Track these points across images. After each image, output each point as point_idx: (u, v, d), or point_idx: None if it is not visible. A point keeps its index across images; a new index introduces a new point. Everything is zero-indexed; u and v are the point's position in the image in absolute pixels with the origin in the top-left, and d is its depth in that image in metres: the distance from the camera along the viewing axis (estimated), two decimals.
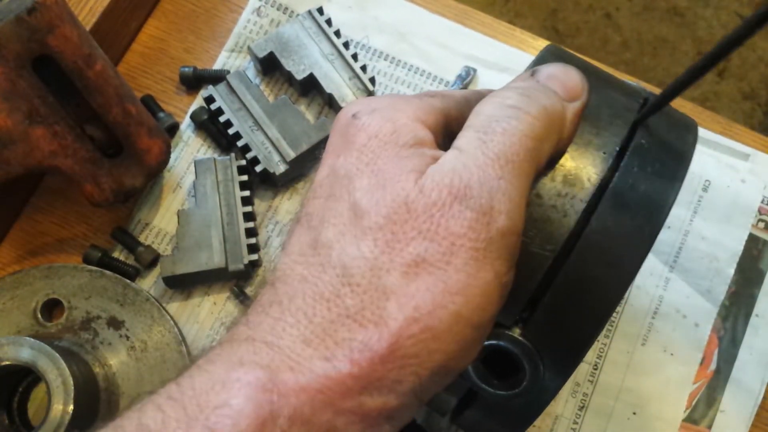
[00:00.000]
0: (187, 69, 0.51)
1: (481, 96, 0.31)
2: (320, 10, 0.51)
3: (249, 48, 0.50)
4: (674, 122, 0.29)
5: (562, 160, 0.27)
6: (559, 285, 0.25)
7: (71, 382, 0.39)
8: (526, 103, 0.25)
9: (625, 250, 0.25)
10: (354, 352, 0.22)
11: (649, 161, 0.27)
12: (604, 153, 0.27)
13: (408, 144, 0.25)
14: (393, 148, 0.25)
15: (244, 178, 0.48)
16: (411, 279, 0.23)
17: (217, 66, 0.52)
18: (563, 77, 0.27)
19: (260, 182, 0.50)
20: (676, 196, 0.27)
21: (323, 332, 0.23)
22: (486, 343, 0.26)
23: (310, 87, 0.51)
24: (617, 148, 0.27)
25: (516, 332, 0.26)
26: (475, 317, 0.23)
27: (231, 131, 0.48)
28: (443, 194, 0.24)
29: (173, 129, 0.50)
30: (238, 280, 0.48)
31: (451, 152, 0.25)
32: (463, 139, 0.25)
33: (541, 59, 0.30)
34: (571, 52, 0.31)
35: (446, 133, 0.28)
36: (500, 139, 0.24)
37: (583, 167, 0.26)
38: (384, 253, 0.23)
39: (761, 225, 0.50)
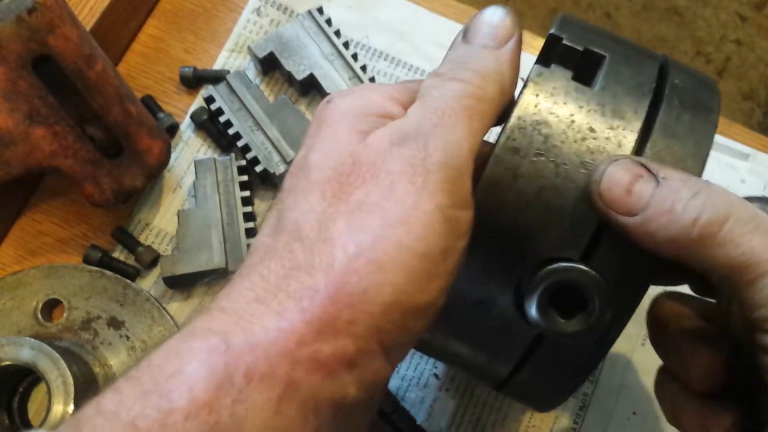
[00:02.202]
0: (187, 69, 0.51)
1: None
2: (320, 10, 0.51)
3: (249, 48, 0.50)
4: (694, 73, 0.30)
5: (609, 97, 0.27)
6: None
7: (71, 383, 0.39)
8: (458, 72, 0.27)
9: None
10: (303, 300, 0.23)
11: (687, 96, 0.28)
12: (645, 88, 0.28)
13: (374, 114, 0.27)
14: (353, 118, 0.27)
15: (244, 178, 0.48)
16: (354, 222, 0.24)
17: (217, 66, 0.52)
18: (489, 24, 0.28)
19: (260, 182, 0.50)
20: (716, 125, 0.28)
21: (276, 288, 0.23)
22: (553, 279, 0.25)
23: (310, 87, 0.51)
24: (654, 85, 0.28)
25: (579, 267, 0.26)
26: (420, 246, 0.23)
27: (231, 131, 0.48)
28: (384, 143, 0.25)
29: (173, 129, 0.50)
30: None
31: (396, 119, 0.27)
32: (408, 110, 0.27)
33: (564, 19, 0.30)
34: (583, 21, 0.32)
35: None
36: (436, 98, 0.26)
37: (629, 102, 0.27)
38: (331, 204, 0.24)
39: None
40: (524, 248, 0.26)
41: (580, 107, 0.27)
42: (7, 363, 0.39)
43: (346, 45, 0.50)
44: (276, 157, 0.48)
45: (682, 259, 0.25)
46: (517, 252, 0.26)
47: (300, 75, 0.49)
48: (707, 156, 0.27)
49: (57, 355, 0.39)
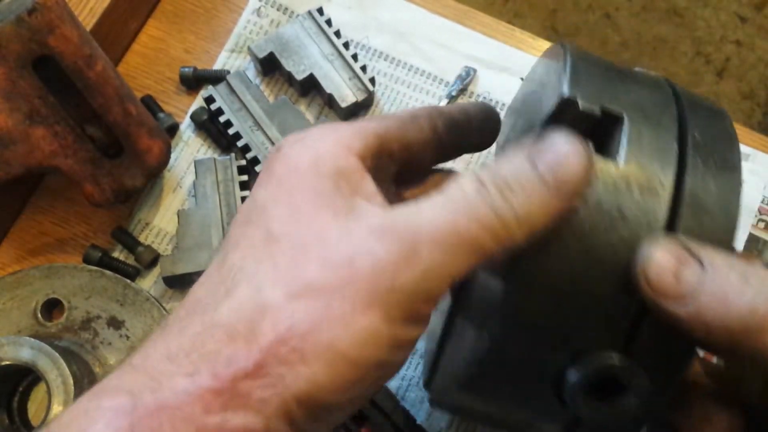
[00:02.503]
0: (187, 69, 0.51)
1: (442, 114, 0.30)
2: (320, 11, 0.51)
3: (249, 48, 0.51)
4: (707, 111, 0.29)
5: (634, 169, 0.25)
6: None
7: (71, 382, 0.39)
8: (501, 203, 0.23)
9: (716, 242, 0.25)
10: (218, 365, 0.22)
11: (708, 155, 0.26)
12: (668, 154, 0.26)
13: (328, 174, 0.25)
14: (311, 180, 0.25)
15: (244, 178, 0.48)
16: (294, 299, 0.22)
17: (217, 66, 0.52)
18: (567, 168, 0.23)
19: None
20: (741, 185, 0.26)
21: (191, 346, 0.22)
22: (593, 369, 0.24)
23: (310, 87, 0.51)
24: (676, 148, 0.26)
25: (616, 356, 0.25)
26: (354, 354, 0.22)
27: (231, 131, 0.48)
28: (363, 232, 0.23)
29: (173, 129, 0.50)
30: None
31: (408, 205, 0.23)
32: (429, 200, 0.24)
33: (574, 69, 0.27)
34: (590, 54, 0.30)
35: (382, 154, 0.27)
36: (459, 218, 0.23)
37: (654, 172, 0.25)
38: (279, 275, 0.23)
39: (761, 225, 0.50)
40: (562, 338, 0.25)
41: (607, 186, 0.25)
42: (7, 363, 0.39)
43: (346, 45, 0.50)
44: None
45: (734, 345, 0.23)
46: (555, 342, 0.25)
47: (300, 75, 0.49)
48: (737, 226, 0.26)
49: (57, 354, 0.39)
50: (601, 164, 0.25)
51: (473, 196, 0.23)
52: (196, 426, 0.21)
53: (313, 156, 0.26)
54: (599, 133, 0.27)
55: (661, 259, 0.23)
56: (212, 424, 0.21)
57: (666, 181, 0.25)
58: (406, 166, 0.30)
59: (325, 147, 0.26)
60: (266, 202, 0.25)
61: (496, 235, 0.23)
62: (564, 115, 0.26)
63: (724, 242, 0.25)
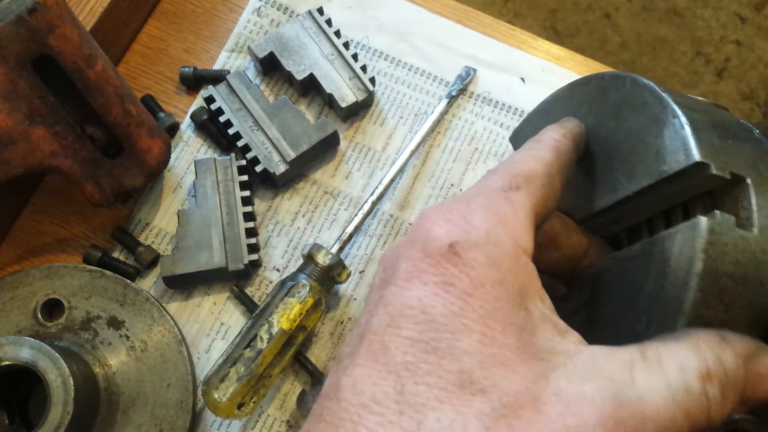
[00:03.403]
0: (187, 69, 0.51)
1: (561, 157, 0.28)
2: (320, 11, 0.51)
3: (249, 48, 0.51)
4: None
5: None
6: None
7: (71, 382, 0.39)
8: (717, 403, 0.22)
9: None
10: None
11: None
12: None
13: (515, 298, 0.22)
14: (502, 306, 0.22)
15: (244, 178, 0.48)
16: None
17: (217, 66, 0.52)
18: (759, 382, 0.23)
19: (260, 182, 0.50)
20: None
21: None
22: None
23: (310, 87, 0.51)
24: None
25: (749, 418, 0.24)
26: None
27: (231, 131, 0.48)
28: (582, 414, 0.20)
29: (173, 129, 0.50)
30: (238, 279, 0.48)
31: (605, 365, 0.22)
32: (638, 373, 0.22)
33: (692, 126, 0.26)
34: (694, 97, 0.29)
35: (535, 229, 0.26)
36: (665, 411, 0.21)
37: None
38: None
39: None
40: None
41: (749, 260, 0.24)
42: (7, 363, 0.39)
43: (346, 45, 0.50)
44: (276, 157, 0.48)
45: None
46: None
47: (300, 75, 0.49)
48: None
49: (57, 354, 0.39)
50: (742, 235, 0.24)
51: (698, 391, 0.22)
52: None
53: (498, 275, 0.22)
54: (717, 197, 0.26)
55: None
56: None
57: None
58: None
59: (506, 260, 0.23)
60: (451, 325, 0.22)
61: (695, 423, 0.22)
62: (691, 179, 0.25)
63: None
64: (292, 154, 0.48)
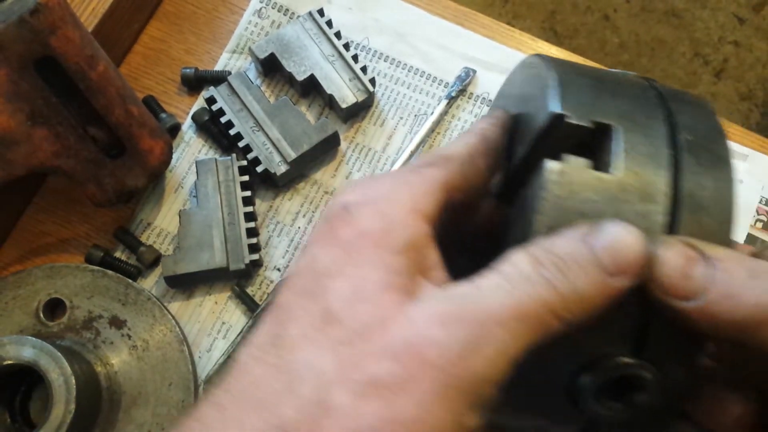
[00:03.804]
0: (188, 70, 0.51)
1: (488, 140, 0.29)
2: (321, 12, 0.51)
3: (250, 49, 0.51)
4: (692, 107, 0.29)
5: (631, 178, 0.26)
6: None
7: (73, 382, 0.39)
8: (561, 280, 0.23)
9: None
10: None
11: (701, 153, 0.27)
12: (661, 159, 0.26)
13: (399, 249, 0.24)
14: (381, 253, 0.24)
15: (245, 178, 0.48)
16: (359, 399, 0.21)
17: (218, 67, 0.52)
18: (624, 251, 0.23)
19: (261, 182, 0.50)
20: (734, 179, 0.27)
21: None
22: (610, 375, 0.24)
23: (310, 88, 0.52)
24: (668, 151, 0.27)
25: (626, 357, 0.25)
26: None
27: (232, 132, 0.49)
28: (425, 325, 0.22)
29: (175, 130, 0.51)
30: (240, 279, 0.48)
31: (465, 284, 0.23)
32: (485, 280, 0.23)
33: (560, 83, 0.28)
34: (570, 60, 0.30)
35: (446, 208, 0.26)
36: (517, 297, 0.23)
37: (650, 179, 0.26)
38: (341, 369, 0.22)
39: (759, 225, 0.50)
40: (575, 347, 0.25)
41: (605, 198, 0.25)
42: (9, 362, 0.39)
43: (346, 46, 0.51)
44: (277, 158, 0.48)
45: (742, 339, 0.23)
46: (565, 349, 0.25)
47: (301, 76, 0.50)
48: (735, 220, 0.26)
49: (59, 354, 0.39)
50: (598, 176, 0.26)
51: (532, 274, 0.23)
52: None
53: (386, 225, 0.24)
54: (591, 146, 0.27)
55: (670, 259, 0.24)
56: None
57: (662, 185, 0.26)
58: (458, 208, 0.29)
59: (399, 214, 0.24)
60: (329, 271, 0.24)
61: (557, 313, 0.23)
62: (555, 131, 0.27)
63: (724, 237, 0.26)
64: (292, 155, 0.48)
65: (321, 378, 0.22)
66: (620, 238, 0.24)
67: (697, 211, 0.26)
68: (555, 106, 0.27)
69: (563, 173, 0.26)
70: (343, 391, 0.21)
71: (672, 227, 0.26)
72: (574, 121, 0.26)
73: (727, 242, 0.25)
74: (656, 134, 0.27)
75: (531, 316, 0.22)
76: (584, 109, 0.27)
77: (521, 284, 0.23)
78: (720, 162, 0.27)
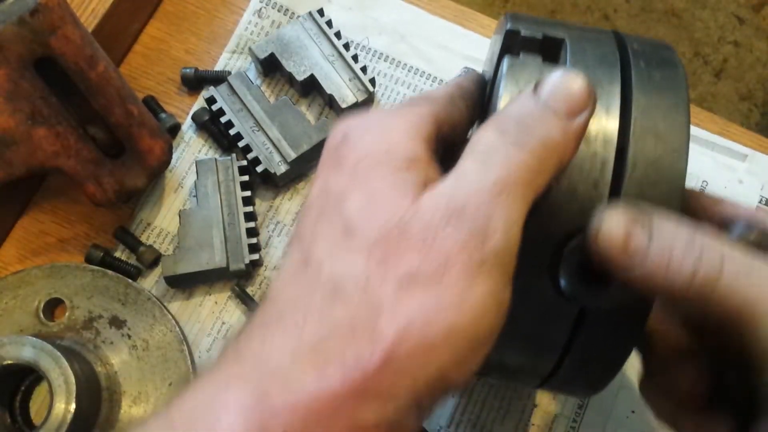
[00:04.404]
0: (188, 70, 0.51)
1: (463, 89, 0.31)
2: (321, 12, 0.51)
3: (250, 49, 0.51)
4: (646, 38, 0.32)
5: (581, 70, 0.28)
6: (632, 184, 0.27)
7: (73, 381, 0.39)
8: (524, 138, 0.25)
9: (669, 125, 0.27)
10: (346, 367, 0.22)
11: (649, 56, 0.29)
12: (610, 57, 0.29)
13: (402, 164, 0.25)
14: (386, 168, 0.25)
15: (245, 178, 0.48)
16: (403, 294, 0.23)
17: (218, 67, 0.52)
18: (567, 90, 0.26)
19: (261, 182, 0.50)
20: (685, 77, 0.29)
21: (313, 349, 0.23)
22: (581, 248, 0.26)
23: (310, 88, 0.52)
24: (617, 53, 0.29)
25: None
26: (471, 330, 0.23)
27: (232, 132, 0.49)
28: (438, 215, 0.24)
29: (175, 130, 0.51)
30: (240, 279, 0.48)
31: (450, 177, 0.25)
32: (463, 165, 0.25)
33: (514, 14, 0.31)
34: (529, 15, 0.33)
35: (438, 138, 0.28)
36: (498, 168, 0.24)
37: (601, 72, 0.28)
38: (375, 269, 0.23)
39: None
40: (549, 228, 0.27)
41: None
42: (9, 362, 0.39)
43: (346, 46, 0.51)
44: (277, 158, 0.48)
45: (683, 306, 0.25)
46: (544, 233, 0.27)
47: (301, 76, 0.50)
48: (688, 104, 0.28)
49: (59, 354, 0.39)
50: (549, 65, 0.28)
51: (500, 144, 0.25)
52: (328, 424, 0.22)
53: (386, 145, 0.26)
54: (550, 57, 0.30)
55: (611, 227, 0.25)
56: (344, 422, 0.22)
57: (613, 75, 0.28)
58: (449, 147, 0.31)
59: (397, 136, 0.26)
60: (340, 193, 0.25)
61: (536, 168, 0.25)
62: (511, 47, 0.30)
63: (679, 118, 0.27)
64: (292, 155, 0.48)
65: (360, 282, 0.23)
66: (562, 82, 0.26)
67: (648, 93, 0.28)
68: (509, 25, 0.30)
69: (518, 62, 0.29)
70: (384, 290, 0.23)
71: (625, 110, 0.28)
72: (527, 34, 0.30)
73: (682, 149, 0.27)
74: (605, 42, 0.30)
75: (515, 182, 0.24)
76: (536, 27, 0.30)
77: (493, 158, 0.25)
78: (668, 62, 0.29)
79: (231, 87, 0.49)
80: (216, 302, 0.48)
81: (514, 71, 0.28)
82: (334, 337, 0.23)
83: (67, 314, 0.45)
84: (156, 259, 0.48)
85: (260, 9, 0.53)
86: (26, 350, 0.39)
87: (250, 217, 0.47)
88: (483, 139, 0.25)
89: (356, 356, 0.22)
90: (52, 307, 0.46)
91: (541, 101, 0.26)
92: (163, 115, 0.50)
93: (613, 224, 0.25)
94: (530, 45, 0.30)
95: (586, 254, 0.26)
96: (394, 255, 0.23)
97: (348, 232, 0.24)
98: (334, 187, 0.26)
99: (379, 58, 0.53)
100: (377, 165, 0.25)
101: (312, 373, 0.22)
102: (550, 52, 0.30)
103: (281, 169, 0.48)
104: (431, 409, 0.24)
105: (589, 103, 0.26)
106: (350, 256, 0.24)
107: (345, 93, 0.50)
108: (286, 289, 0.25)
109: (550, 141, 0.25)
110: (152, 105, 0.51)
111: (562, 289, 0.27)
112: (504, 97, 0.28)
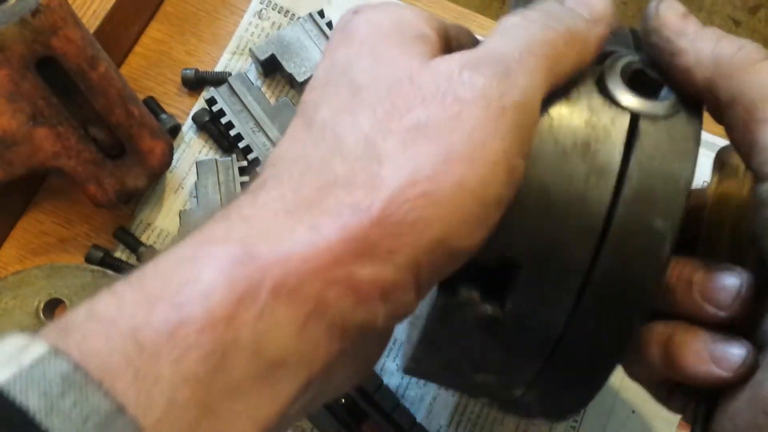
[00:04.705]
0: (189, 71, 0.51)
1: (467, 31, 0.31)
2: (321, 13, 0.51)
3: (250, 50, 0.51)
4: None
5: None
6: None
7: None
8: (551, 21, 0.24)
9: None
10: (343, 216, 0.20)
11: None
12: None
13: (413, 37, 0.24)
14: (396, 38, 0.24)
15: (246, 179, 0.48)
16: (410, 144, 0.21)
17: (218, 68, 0.52)
18: (592, 4, 0.26)
19: None
20: None
21: (309, 202, 0.21)
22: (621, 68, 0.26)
23: None
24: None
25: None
26: (480, 190, 0.21)
27: (232, 133, 0.49)
28: (453, 65, 0.22)
29: (175, 130, 0.51)
30: None
31: (469, 50, 0.24)
32: (485, 40, 0.24)
33: None
34: None
35: (447, 49, 0.27)
36: (523, 37, 0.23)
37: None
38: (382, 121, 0.22)
39: None
40: None
41: None
42: None
43: None
44: None
45: (710, 89, 0.25)
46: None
47: (301, 77, 0.50)
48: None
49: None
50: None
51: (525, 22, 0.24)
52: (323, 278, 0.20)
53: (396, 20, 0.25)
54: None
55: (670, 7, 0.27)
56: (340, 276, 0.20)
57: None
58: None
59: (410, 15, 0.25)
60: (348, 60, 0.24)
61: (560, 48, 0.24)
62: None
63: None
64: None
65: (364, 134, 0.22)
66: None
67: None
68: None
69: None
70: (390, 140, 0.21)
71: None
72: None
73: None
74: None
75: (539, 54, 0.23)
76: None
77: (518, 31, 0.24)
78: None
79: (231, 88, 0.49)
80: None
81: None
82: (331, 191, 0.21)
83: None
84: None
85: (261, 10, 0.54)
86: None
87: None
88: (508, 21, 0.25)
89: (354, 207, 0.20)
90: (53, 307, 0.46)
91: (567, 4, 0.26)
92: (163, 116, 0.50)
93: (671, 7, 0.27)
94: None
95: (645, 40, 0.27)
96: (403, 106, 0.22)
97: (354, 91, 0.23)
98: (342, 58, 0.24)
99: None
100: (387, 35, 0.24)
101: (306, 226, 0.20)
102: None
103: None
104: (429, 286, 0.23)
105: (611, 13, 0.26)
106: (355, 113, 0.22)
107: None
108: (286, 152, 0.23)
109: (575, 28, 0.25)
110: (153, 106, 0.51)
111: (617, 98, 0.26)
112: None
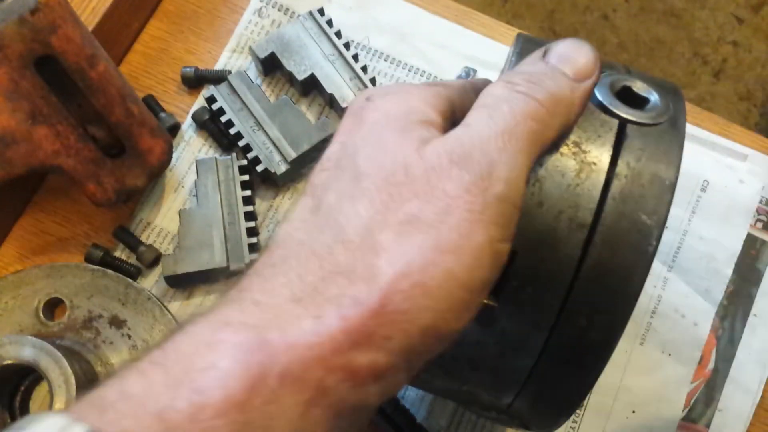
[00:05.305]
0: (188, 69, 0.51)
1: (476, 86, 0.32)
2: (321, 11, 0.51)
3: (250, 48, 0.51)
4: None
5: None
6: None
7: (73, 381, 0.39)
8: (534, 89, 0.26)
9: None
10: (344, 307, 0.22)
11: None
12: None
13: (416, 124, 0.26)
14: (402, 123, 0.26)
15: (246, 177, 0.48)
16: (403, 236, 0.23)
17: (218, 66, 0.52)
18: (574, 56, 0.28)
19: (261, 182, 0.50)
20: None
21: (314, 290, 0.23)
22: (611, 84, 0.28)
23: (311, 87, 0.51)
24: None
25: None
26: (466, 278, 0.23)
27: (232, 131, 0.49)
28: (443, 159, 0.24)
29: (175, 129, 0.51)
30: None
31: (457, 128, 0.26)
32: (471, 116, 0.26)
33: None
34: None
35: (451, 120, 0.29)
36: (506, 117, 0.25)
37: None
38: (379, 212, 0.24)
39: (759, 225, 0.50)
40: None
41: None
42: (9, 362, 0.39)
43: (346, 46, 0.50)
44: (277, 157, 0.48)
45: None
46: None
47: (301, 75, 0.50)
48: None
49: (59, 354, 0.39)
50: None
51: (509, 95, 0.26)
52: (324, 365, 0.22)
53: (405, 106, 0.27)
54: None
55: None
56: (339, 364, 0.22)
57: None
58: None
59: (417, 102, 0.27)
60: (355, 145, 0.26)
61: (542, 120, 0.26)
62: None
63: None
64: (293, 154, 0.48)
65: (363, 224, 0.24)
66: (570, 49, 0.28)
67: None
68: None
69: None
70: (385, 232, 0.23)
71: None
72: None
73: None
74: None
75: (522, 132, 0.25)
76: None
77: (502, 107, 0.25)
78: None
79: (231, 86, 0.49)
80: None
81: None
82: (334, 279, 0.23)
83: (67, 314, 0.45)
84: (156, 259, 0.48)
85: (260, 8, 0.53)
86: (26, 350, 0.39)
87: (250, 216, 0.47)
88: (492, 92, 0.26)
89: (354, 297, 0.22)
90: (52, 306, 0.46)
91: (551, 64, 0.27)
92: (163, 115, 0.50)
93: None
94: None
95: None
96: (398, 198, 0.24)
97: (357, 178, 0.25)
98: (351, 143, 0.26)
99: (379, 57, 0.53)
100: (392, 120, 0.26)
101: (311, 315, 0.22)
102: None
103: (281, 168, 0.48)
104: (419, 366, 0.25)
105: (595, 69, 0.27)
106: (356, 200, 0.24)
107: (345, 92, 0.49)
108: (294, 234, 0.25)
109: (559, 94, 0.26)
110: (152, 104, 0.51)
111: (609, 108, 0.28)
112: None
